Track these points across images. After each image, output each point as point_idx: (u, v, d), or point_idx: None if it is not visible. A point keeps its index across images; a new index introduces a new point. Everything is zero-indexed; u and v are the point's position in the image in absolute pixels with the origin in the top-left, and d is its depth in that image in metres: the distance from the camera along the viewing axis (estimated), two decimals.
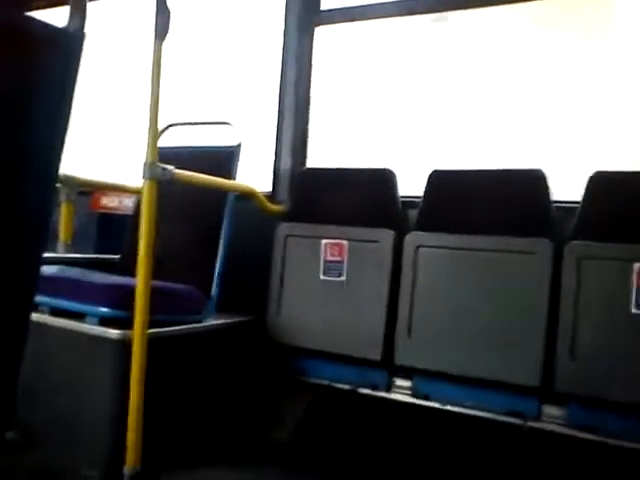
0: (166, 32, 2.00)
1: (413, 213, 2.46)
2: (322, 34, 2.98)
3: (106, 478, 1.93)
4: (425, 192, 2.41)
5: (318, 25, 2.98)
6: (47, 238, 1.14)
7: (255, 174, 3.00)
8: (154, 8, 1.99)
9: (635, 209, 2.06)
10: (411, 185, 2.58)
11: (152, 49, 1.99)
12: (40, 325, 2.05)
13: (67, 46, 1.09)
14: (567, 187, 2.36)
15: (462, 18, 2.95)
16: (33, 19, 1.05)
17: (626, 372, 1.93)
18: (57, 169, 1.12)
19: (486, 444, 2.19)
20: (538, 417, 2.11)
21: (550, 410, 2.11)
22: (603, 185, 2.13)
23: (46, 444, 2.02)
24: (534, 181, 2.21)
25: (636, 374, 1.92)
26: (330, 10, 2.98)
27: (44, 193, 1.11)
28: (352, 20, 3.00)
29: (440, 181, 2.41)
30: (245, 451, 2.32)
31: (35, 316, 2.06)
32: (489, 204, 2.29)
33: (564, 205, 2.27)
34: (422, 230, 2.36)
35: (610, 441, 1.97)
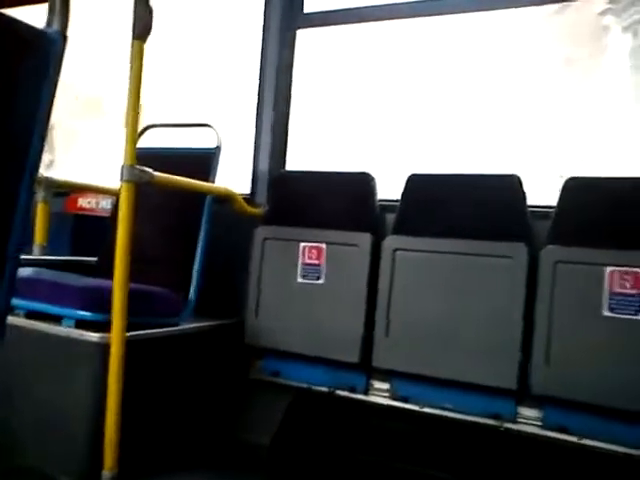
0: (147, 32, 1.97)
1: (391, 217, 2.47)
2: (303, 37, 2.98)
3: None
4: (402, 196, 2.43)
5: (300, 28, 2.98)
6: (24, 239, 1.13)
7: (234, 176, 2.99)
8: (132, 6, 1.96)
9: (608, 214, 2.10)
10: (389, 188, 2.60)
11: (131, 49, 1.97)
12: (16, 328, 2.03)
13: (47, 48, 1.08)
14: (544, 192, 2.40)
15: (441, 23, 2.97)
16: (11, 19, 1.04)
17: (599, 374, 1.97)
18: (36, 171, 1.11)
19: (463, 446, 2.22)
20: (514, 419, 2.14)
21: (526, 412, 2.14)
22: (577, 190, 2.16)
23: (24, 448, 1.99)
24: (510, 186, 2.24)
25: (609, 376, 1.95)
26: (312, 13, 2.98)
27: (22, 194, 1.10)
28: (335, 24, 3.00)
29: (418, 185, 2.43)
30: (224, 455, 2.31)
31: (11, 319, 2.03)
32: (466, 208, 2.32)
33: (540, 210, 2.30)
34: (400, 234, 2.37)
35: (585, 442, 2.01)
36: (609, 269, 2.00)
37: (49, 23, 1.11)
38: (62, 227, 3.20)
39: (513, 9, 2.69)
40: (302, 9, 2.98)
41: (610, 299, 1.98)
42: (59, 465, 1.93)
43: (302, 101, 3.10)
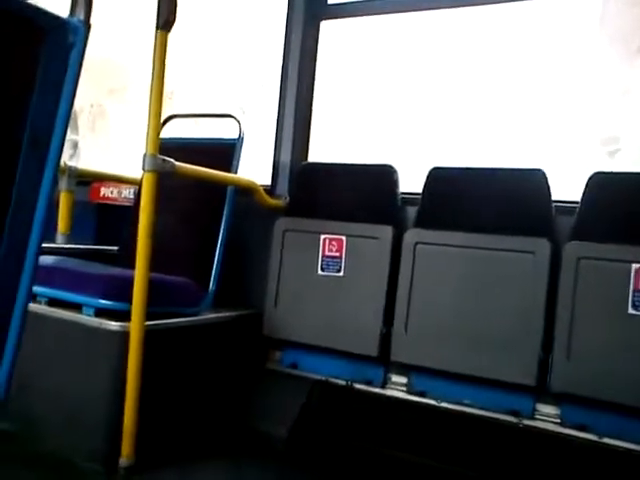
0: (171, 22, 1.97)
1: (412, 210, 2.45)
2: (327, 28, 2.97)
3: (103, 469, 1.93)
4: (424, 189, 2.41)
5: (323, 19, 2.96)
6: (47, 228, 1.13)
7: (255, 167, 2.99)
8: None
9: (634, 210, 2.07)
10: (411, 181, 2.58)
11: (155, 39, 1.97)
12: (37, 316, 2.05)
13: (70, 37, 1.09)
14: (569, 187, 2.36)
15: (464, 15, 2.93)
16: (36, 7, 1.04)
17: (621, 372, 1.94)
18: (58, 159, 1.12)
19: (481, 441, 2.20)
20: (533, 415, 2.12)
21: (545, 409, 2.12)
22: (602, 186, 2.13)
23: (44, 435, 2.02)
24: (535, 181, 2.21)
25: (631, 375, 1.92)
26: (336, 4, 2.96)
27: (45, 183, 1.11)
28: (358, 15, 2.99)
29: (440, 178, 2.41)
30: (241, 445, 2.32)
31: (33, 306, 2.06)
32: (488, 202, 2.29)
33: (564, 205, 2.27)
34: (421, 227, 2.36)
35: (604, 440, 1.98)
36: (635, 266, 1.96)
37: (72, 12, 1.12)
38: (86, 216, 3.23)
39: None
40: (326, 0, 2.96)
41: (635, 296, 1.95)
42: (79, 451, 1.95)
43: (325, 93, 3.09)
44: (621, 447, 1.96)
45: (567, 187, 2.41)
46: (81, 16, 1.11)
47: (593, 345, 2.00)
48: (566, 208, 2.24)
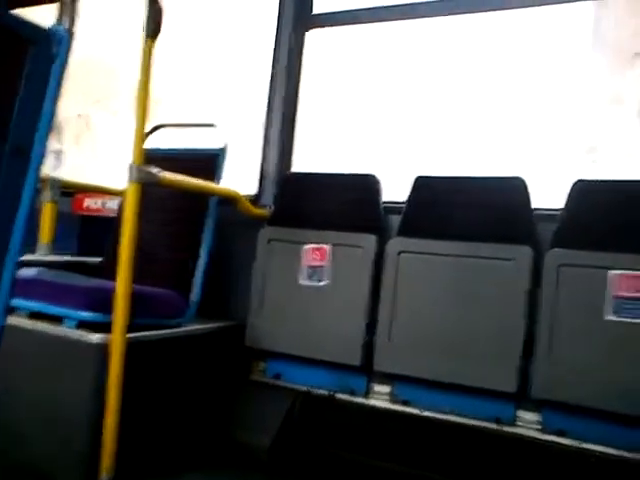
0: (158, 31, 1.97)
1: (395, 219, 2.46)
2: (312, 38, 2.98)
3: None
4: (409, 198, 2.42)
5: (309, 29, 2.98)
6: (27, 239, 1.13)
7: (241, 177, 2.99)
8: (144, 5, 1.97)
9: (615, 217, 2.08)
10: (393, 191, 2.59)
11: (141, 48, 1.97)
12: (18, 329, 2.04)
13: (54, 47, 1.09)
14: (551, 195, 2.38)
15: (450, 24, 2.95)
16: (18, 18, 1.04)
17: (600, 378, 1.95)
18: (39, 168, 1.11)
19: (463, 449, 2.20)
20: (514, 422, 2.13)
21: (526, 415, 2.13)
22: (584, 193, 2.15)
23: (24, 448, 2.00)
24: (514, 189, 2.22)
25: (610, 380, 1.94)
26: (321, 14, 2.98)
27: (26, 193, 1.10)
28: (343, 24, 3.00)
29: (423, 187, 2.42)
30: (224, 457, 2.31)
31: (13, 319, 2.05)
32: (471, 210, 2.30)
33: (545, 213, 2.28)
34: (404, 236, 2.36)
35: (584, 446, 2.00)
36: (613, 272, 1.98)
37: (58, 21, 1.12)
38: (69, 227, 3.21)
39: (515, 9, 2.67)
40: (311, 10, 2.98)
41: (614, 303, 1.96)
42: (58, 465, 1.93)
43: (310, 103, 3.10)
44: (600, 452, 1.97)
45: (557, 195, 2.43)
46: (66, 25, 1.12)
47: (573, 351, 2.01)
48: (548, 215, 2.25)
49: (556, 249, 2.09)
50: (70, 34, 1.11)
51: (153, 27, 1.96)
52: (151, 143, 2.74)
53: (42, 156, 1.11)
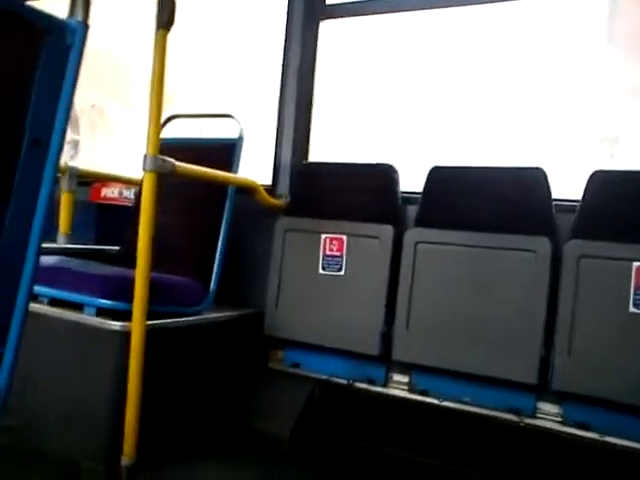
0: (171, 22, 1.97)
1: (413, 209, 2.46)
2: (326, 28, 2.97)
3: (104, 469, 1.93)
4: (425, 188, 2.41)
5: (323, 19, 2.97)
6: (48, 228, 1.14)
7: (256, 166, 2.99)
8: None
9: (634, 208, 2.06)
10: (411, 181, 2.58)
11: (154, 39, 1.97)
12: (39, 315, 2.06)
13: (69, 38, 1.09)
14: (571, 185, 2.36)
15: (464, 14, 2.93)
16: (34, 9, 1.04)
17: (622, 371, 1.94)
18: (58, 159, 1.12)
19: (483, 440, 2.20)
20: (534, 414, 2.12)
21: (546, 407, 2.12)
22: (603, 184, 2.13)
23: (46, 434, 2.02)
24: (534, 179, 2.21)
25: (632, 373, 1.92)
26: (335, 5, 2.97)
27: (45, 182, 1.11)
28: (357, 15, 2.99)
29: (440, 177, 2.41)
30: (242, 444, 2.32)
31: (34, 306, 2.07)
32: (489, 201, 2.29)
33: (564, 204, 2.27)
34: (421, 226, 2.36)
35: (605, 439, 1.98)
36: (636, 264, 1.96)
37: (71, 13, 1.12)
38: (87, 216, 3.23)
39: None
40: (324, 1, 2.97)
41: (636, 295, 1.95)
42: (80, 450, 1.95)
43: (326, 93, 3.09)
44: (622, 445, 1.96)
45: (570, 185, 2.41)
46: (79, 17, 1.12)
47: (594, 343, 2.00)
48: (566, 206, 2.24)
49: (577, 240, 2.08)
50: (84, 25, 1.11)
51: (166, 18, 1.96)
52: (166, 134, 2.74)
53: (60, 146, 1.12)
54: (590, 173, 2.15)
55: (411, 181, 2.58)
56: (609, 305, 1.99)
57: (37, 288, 2.09)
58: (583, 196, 2.14)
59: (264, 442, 2.33)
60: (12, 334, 1.08)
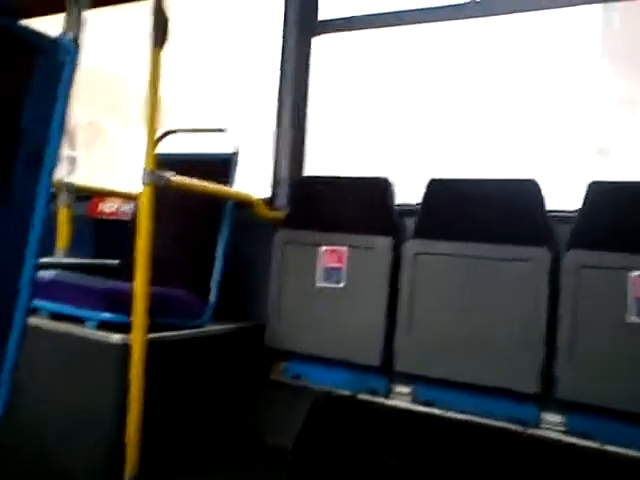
0: (164, 39, 2.00)
1: (409, 221, 2.47)
2: (320, 42, 3.01)
3: None
4: (423, 200, 2.42)
5: (315, 35, 3.01)
6: (44, 243, 1.14)
7: (255, 180, 3.01)
8: (151, 15, 2.00)
9: (631, 218, 2.08)
10: (407, 193, 2.59)
11: (149, 57, 2.00)
12: (39, 329, 2.05)
13: (62, 55, 1.10)
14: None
15: (458, 27, 2.96)
16: (27, 27, 1.05)
17: (624, 380, 1.94)
18: (52, 174, 1.13)
19: (486, 451, 2.20)
20: (537, 424, 2.12)
21: (549, 417, 2.11)
22: (600, 194, 2.14)
23: (46, 448, 2.01)
24: (528, 190, 2.22)
25: (633, 381, 1.93)
26: (327, 20, 3.01)
27: (40, 198, 1.11)
28: (349, 30, 3.03)
29: (437, 189, 2.42)
30: (245, 456, 2.31)
31: (34, 320, 2.07)
32: (486, 213, 2.30)
33: (561, 214, 2.28)
34: (420, 237, 2.37)
35: (609, 448, 1.98)
36: (633, 274, 1.97)
37: (65, 31, 1.14)
38: (85, 231, 3.23)
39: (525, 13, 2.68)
40: (317, 17, 3.01)
41: (636, 304, 1.95)
42: (82, 465, 1.94)
43: (322, 106, 3.12)
44: (625, 455, 1.95)
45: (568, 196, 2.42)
46: (72, 35, 1.13)
47: (596, 353, 2.00)
48: (564, 217, 2.25)
49: (574, 250, 2.09)
50: (77, 43, 1.12)
51: (160, 36, 1.99)
52: (163, 149, 2.76)
53: (55, 163, 1.12)
54: (587, 184, 2.16)
55: (407, 194, 2.59)
56: (609, 314, 1.99)
57: (37, 302, 2.09)
58: (581, 206, 2.15)
59: (267, 454, 2.31)
60: (10, 349, 1.08)
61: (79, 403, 2.00)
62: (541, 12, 2.67)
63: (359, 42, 3.26)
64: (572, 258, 2.08)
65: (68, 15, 1.13)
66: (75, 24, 1.13)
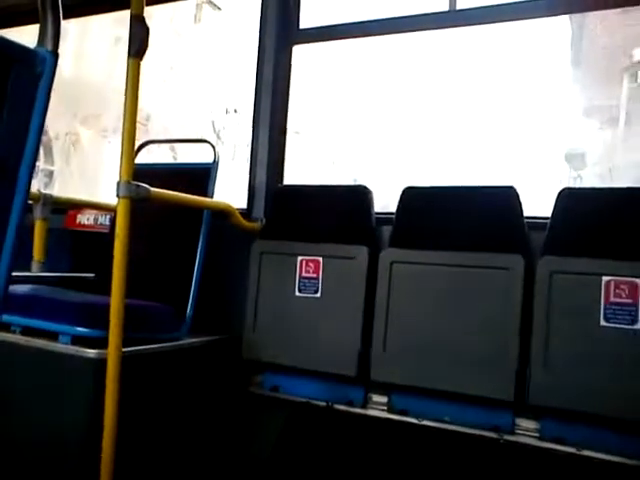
0: (144, 49, 1.98)
1: (387, 229, 2.48)
2: (299, 51, 3.01)
3: None
4: (398, 209, 2.44)
5: (296, 44, 3.01)
6: (18, 256, 1.13)
7: (231, 190, 3.00)
8: (129, 24, 1.99)
9: (602, 224, 2.11)
10: (385, 201, 2.60)
11: (127, 66, 1.99)
12: (11, 345, 2.03)
13: (39, 67, 1.10)
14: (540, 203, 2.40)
15: (434, 37, 2.99)
16: (3, 38, 1.05)
17: (597, 384, 1.96)
18: (28, 187, 1.12)
19: (463, 459, 2.20)
20: (513, 430, 2.13)
21: (524, 423, 2.13)
22: (571, 201, 2.17)
23: (20, 464, 1.98)
24: (506, 198, 2.24)
25: (606, 385, 1.95)
26: (308, 29, 3.00)
27: (15, 210, 1.11)
28: (330, 39, 3.03)
29: (413, 198, 2.43)
30: (223, 469, 2.30)
31: (6, 336, 2.04)
32: (462, 221, 2.32)
33: (536, 221, 2.30)
34: (396, 246, 2.38)
35: (584, 453, 2.00)
36: (605, 279, 2.00)
37: (41, 42, 1.13)
38: (62, 243, 3.21)
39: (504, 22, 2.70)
40: (298, 25, 3.00)
41: (606, 309, 1.98)
42: None
43: (301, 116, 3.12)
44: (599, 458, 1.97)
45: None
46: (49, 46, 1.12)
47: (569, 358, 2.02)
48: (539, 224, 2.27)
49: (548, 256, 2.11)
50: (54, 54, 1.12)
51: (138, 46, 1.97)
52: (141, 160, 2.74)
53: (30, 174, 1.12)
54: (558, 191, 2.19)
55: (385, 202, 2.60)
56: (581, 319, 2.01)
57: (9, 317, 2.06)
58: (553, 213, 2.18)
59: (244, 466, 2.30)
60: None
61: (53, 419, 1.97)
62: (517, 23, 2.70)
63: (335, 51, 3.27)
64: (544, 264, 2.10)
65: (43, 26, 1.13)
66: (52, 35, 1.12)
